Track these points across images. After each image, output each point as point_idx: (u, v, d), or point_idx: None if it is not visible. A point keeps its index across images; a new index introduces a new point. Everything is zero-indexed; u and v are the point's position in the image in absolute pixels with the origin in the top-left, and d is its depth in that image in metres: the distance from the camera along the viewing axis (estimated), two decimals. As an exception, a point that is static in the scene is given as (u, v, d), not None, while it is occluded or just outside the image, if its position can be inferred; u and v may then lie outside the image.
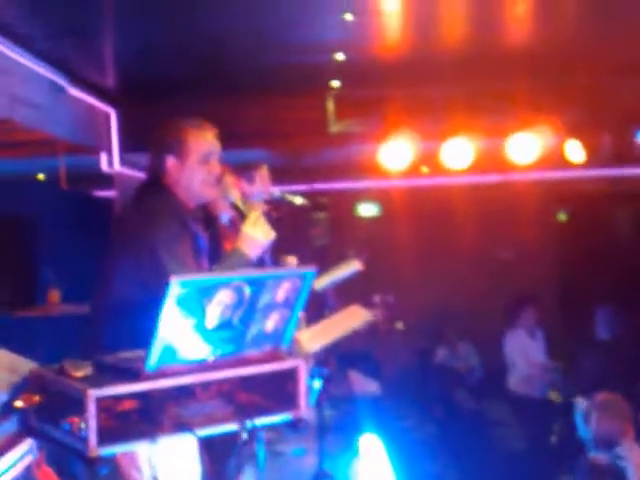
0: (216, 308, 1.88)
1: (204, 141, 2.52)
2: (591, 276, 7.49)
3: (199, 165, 2.49)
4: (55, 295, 4.96)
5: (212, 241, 2.72)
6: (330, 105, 6.22)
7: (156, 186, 2.50)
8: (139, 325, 1.86)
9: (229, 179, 3.02)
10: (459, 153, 6.32)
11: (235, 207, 2.82)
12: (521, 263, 7.61)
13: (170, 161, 2.49)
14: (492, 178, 7.32)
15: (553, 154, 6.46)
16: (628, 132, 6.58)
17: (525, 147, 6.26)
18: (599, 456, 3.53)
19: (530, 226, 7.60)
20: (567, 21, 4.76)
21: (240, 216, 2.67)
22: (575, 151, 6.47)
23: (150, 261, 2.28)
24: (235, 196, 2.81)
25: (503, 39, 5.07)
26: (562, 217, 8.45)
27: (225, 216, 3.32)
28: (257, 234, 2.47)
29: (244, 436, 1.88)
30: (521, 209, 7.48)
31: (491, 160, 6.53)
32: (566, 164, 6.58)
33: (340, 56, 5.20)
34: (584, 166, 6.66)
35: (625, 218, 8.57)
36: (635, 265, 8.13)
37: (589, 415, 3.58)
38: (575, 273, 7.59)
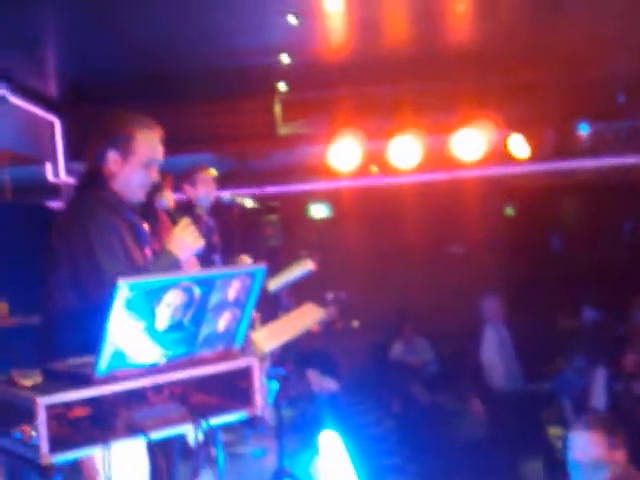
0: (166, 309, 1.86)
1: (151, 145, 2.46)
2: (539, 268, 7.67)
3: (141, 168, 2.44)
4: (2, 307, 4.86)
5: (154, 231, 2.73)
6: (277, 108, 6.24)
7: (92, 179, 2.45)
8: (87, 330, 1.83)
9: (166, 185, 3.03)
10: (406, 151, 6.39)
11: (167, 213, 2.82)
12: (471, 258, 7.74)
13: (112, 155, 2.42)
14: (440, 176, 7.43)
15: (498, 150, 6.59)
16: (570, 125, 6.76)
17: (470, 143, 6.37)
18: None
19: (479, 221, 7.73)
20: (506, 19, 4.87)
21: (172, 222, 2.66)
22: (519, 146, 6.61)
23: (87, 261, 2.25)
24: (168, 202, 2.83)
25: (445, 38, 5.17)
26: (509, 211, 8.63)
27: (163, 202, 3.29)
28: (186, 238, 2.43)
29: (199, 438, 1.87)
30: (470, 205, 7.60)
31: (438, 158, 6.62)
32: (511, 159, 6.72)
33: (286, 58, 5.22)
34: (529, 161, 6.81)
35: (569, 211, 8.79)
36: (583, 256, 8.36)
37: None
38: (523, 265, 7.75)
